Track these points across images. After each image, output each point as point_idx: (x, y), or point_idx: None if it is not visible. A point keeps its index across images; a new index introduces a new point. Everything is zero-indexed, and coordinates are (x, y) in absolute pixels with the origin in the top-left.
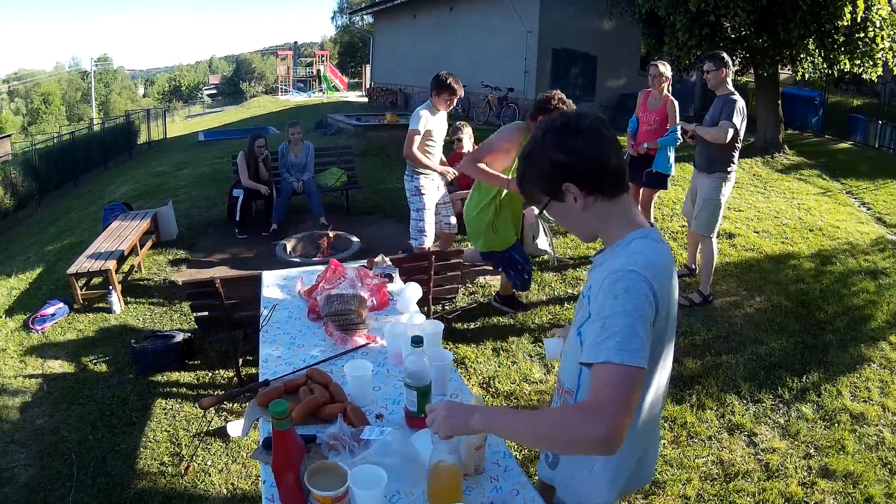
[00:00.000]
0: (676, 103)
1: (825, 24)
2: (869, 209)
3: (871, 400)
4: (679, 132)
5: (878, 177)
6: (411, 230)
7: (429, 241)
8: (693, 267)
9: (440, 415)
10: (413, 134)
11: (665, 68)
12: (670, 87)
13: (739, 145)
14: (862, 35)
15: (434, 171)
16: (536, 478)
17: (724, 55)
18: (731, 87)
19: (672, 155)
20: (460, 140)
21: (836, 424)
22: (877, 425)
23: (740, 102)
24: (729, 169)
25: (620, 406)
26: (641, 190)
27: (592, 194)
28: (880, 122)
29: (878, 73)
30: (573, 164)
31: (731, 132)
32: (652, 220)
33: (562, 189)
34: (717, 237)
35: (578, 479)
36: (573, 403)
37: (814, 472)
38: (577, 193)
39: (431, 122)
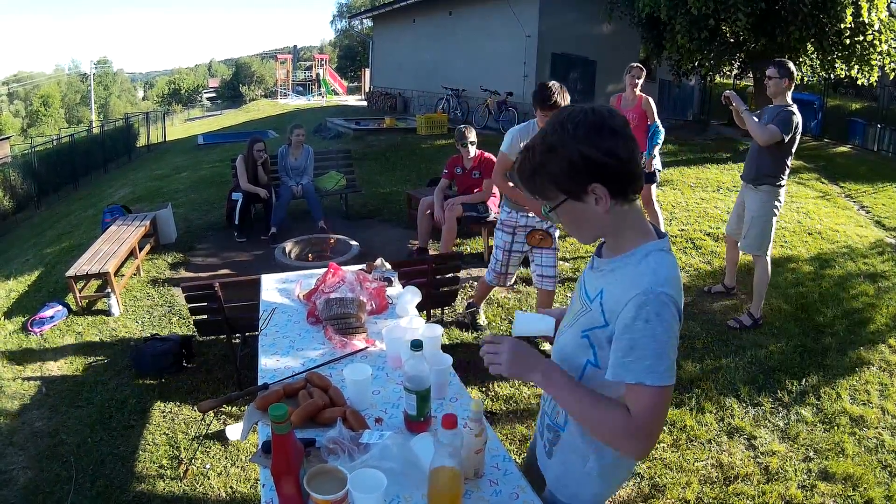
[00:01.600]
0: (652, 99)
1: (825, 27)
2: (868, 212)
3: (871, 403)
4: (660, 126)
5: (877, 180)
6: (489, 269)
7: (501, 283)
8: (732, 286)
9: (505, 357)
10: (501, 158)
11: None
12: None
13: (790, 161)
14: (860, 39)
15: (525, 207)
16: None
17: (791, 65)
18: (789, 99)
19: (657, 151)
20: (465, 146)
21: (836, 427)
22: (876, 428)
23: (797, 117)
24: (778, 182)
25: (659, 425)
26: None
27: (616, 197)
28: (879, 125)
29: (875, 78)
30: (607, 164)
31: (771, 136)
32: (660, 216)
33: (585, 189)
34: (717, 241)
35: (572, 472)
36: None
37: (813, 474)
38: (603, 195)
39: None
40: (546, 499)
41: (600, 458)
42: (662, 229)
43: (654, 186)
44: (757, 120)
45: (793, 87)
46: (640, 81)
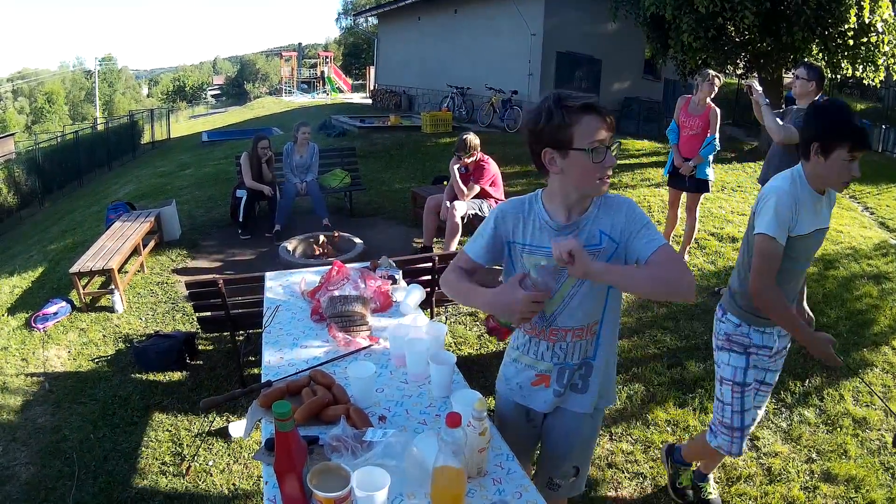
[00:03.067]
0: (719, 111)
1: (829, 27)
2: (872, 214)
3: (874, 405)
4: (717, 140)
5: (882, 181)
6: (712, 422)
7: (736, 448)
8: None
9: (578, 252)
10: (766, 250)
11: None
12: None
13: None
14: (865, 40)
15: (798, 333)
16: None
17: (822, 70)
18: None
19: (711, 159)
20: (461, 157)
21: (839, 429)
22: (879, 430)
23: None
24: None
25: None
26: (687, 195)
27: None
28: (884, 126)
29: (880, 79)
30: None
31: (787, 136)
32: (696, 222)
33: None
34: (721, 241)
35: (609, 380)
36: (665, 263)
37: (816, 476)
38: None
39: (805, 214)
40: (583, 422)
41: (615, 352)
42: (693, 236)
43: (702, 196)
44: (776, 117)
45: (820, 93)
46: (716, 89)
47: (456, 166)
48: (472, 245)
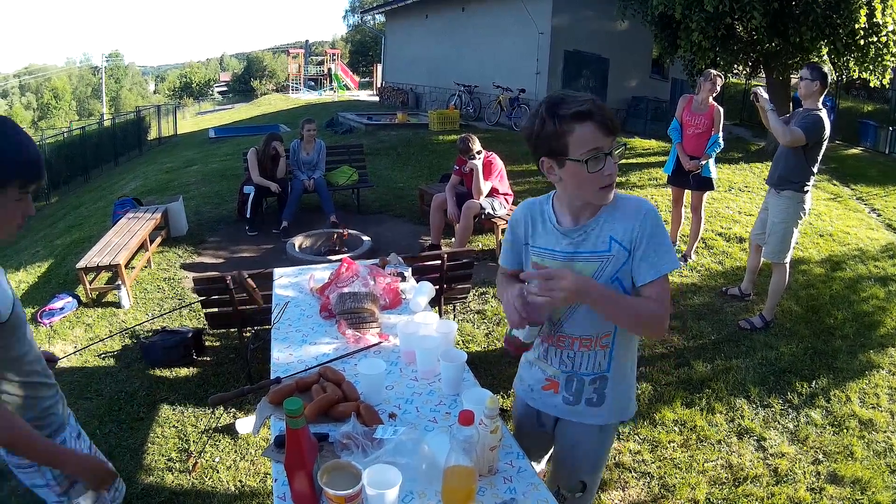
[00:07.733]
0: (722, 110)
1: (839, 28)
2: (879, 215)
3: (880, 406)
4: (721, 138)
5: (889, 183)
6: None
7: None
8: (748, 293)
9: (568, 283)
10: None
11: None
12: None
13: (815, 168)
14: (874, 40)
15: None
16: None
17: (826, 70)
18: (819, 104)
19: (713, 158)
20: (472, 157)
21: (845, 430)
22: (885, 432)
23: (825, 122)
24: (802, 188)
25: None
26: (692, 193)
27: None
28: (891, 128)
29: (888, 79)
30: None
31: (794, 138)
32: (702, 225)
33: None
34: (728, 241)
35: (625, 393)
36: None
37: (822, 477)
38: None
39: None
40: (593, 436)
41: (634, 363)
42: (699, 235)
43: (705, 195)
44: (782, 121)
45: (825, 93)
46: (718, 89)
47: (479, 163)
48: (503, 255)
